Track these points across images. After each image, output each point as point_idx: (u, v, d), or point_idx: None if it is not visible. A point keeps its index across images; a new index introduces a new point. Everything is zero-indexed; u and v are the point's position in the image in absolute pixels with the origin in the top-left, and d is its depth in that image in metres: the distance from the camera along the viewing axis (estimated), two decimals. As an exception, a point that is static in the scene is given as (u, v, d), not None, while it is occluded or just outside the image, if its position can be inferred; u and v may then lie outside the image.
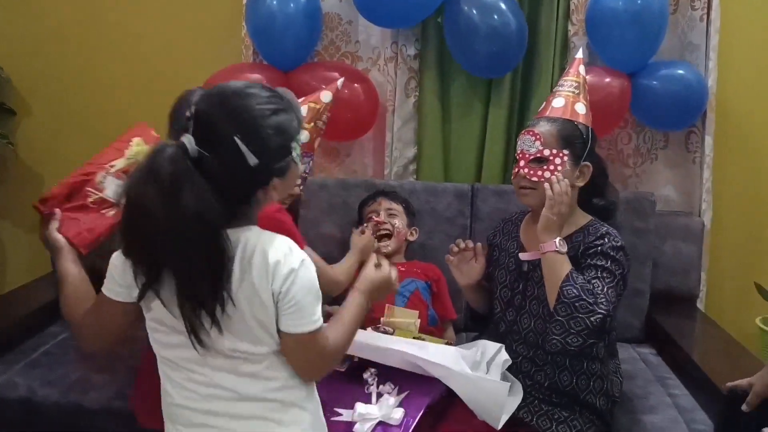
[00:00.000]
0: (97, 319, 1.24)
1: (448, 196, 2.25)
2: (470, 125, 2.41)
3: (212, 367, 1.18)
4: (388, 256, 2.05)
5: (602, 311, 1.46)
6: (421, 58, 2.38)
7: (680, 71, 2.20)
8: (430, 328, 1.96)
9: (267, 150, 1.12)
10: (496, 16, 2.17)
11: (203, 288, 1.09)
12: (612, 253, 1.54)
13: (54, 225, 1.39)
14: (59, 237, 1.38)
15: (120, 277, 1.17)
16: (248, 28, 2.29)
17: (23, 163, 2.66)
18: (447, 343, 1.77)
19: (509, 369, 1.60)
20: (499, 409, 1.50)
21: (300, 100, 1.77)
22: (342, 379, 1.67)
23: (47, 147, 2.64)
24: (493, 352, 1.60)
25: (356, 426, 1.52)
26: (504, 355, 1.58)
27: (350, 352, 1.68)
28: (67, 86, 2.58)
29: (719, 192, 2.38)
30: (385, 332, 1.83)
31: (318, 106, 1.79)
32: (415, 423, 1.55)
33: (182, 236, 1.06)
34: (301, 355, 1.20)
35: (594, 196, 1.70)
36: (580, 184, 1.64)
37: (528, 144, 1.63)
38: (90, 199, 1.45)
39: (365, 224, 2.07)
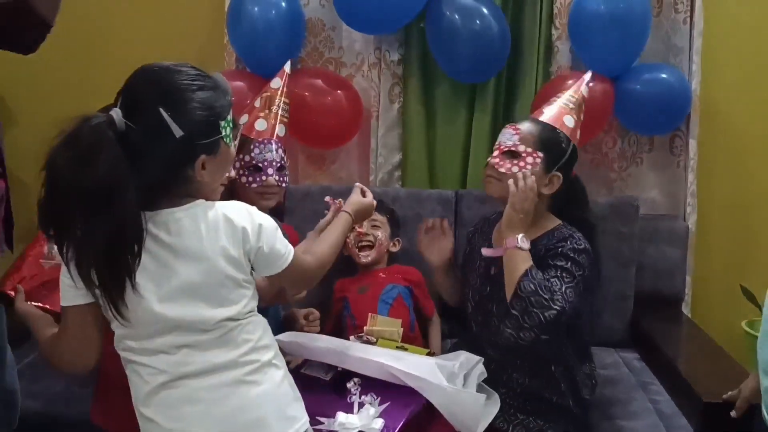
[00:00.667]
0: (72, 336, 1.22)
1: (432, 202, 2.24)
2: (455, 131, 2.41)
3: (180, 345, 1.19)
4: (368, 266, 2.05)
5: (557, 307, 1.48)
6: (405, 63, 2.38)
7: (663, 75, 2.20)
8: (412, 335, 1.96)
9: (192, 123, 1.15)
10: (477, 21, 2.17)
11: (102, 264, 1.11)
12: (572, 255, 1.55)
13: (20, 298, 1.36)
14: (30, 307, 1.34)
15: (74, 280, 1.15)
16: (230, 35, 2.29)
17: (10, 173, 2.65)
18: (429, 353, 1.77)
19: (486, 378, 1.60)
20: (474, 421, 1.51)
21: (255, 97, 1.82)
22: (326, 388, 1.68)
23: (34, 157, 2.63)
24: (471, 365, 1.61)
25: None
26: (480, 368, 1.59)
27: (333, 362, 1.70)
28: (53, 96, 2.58)
29: (705, 195, 2.38)
30: (368, 341, 1.83)
31: (268, 93, 1.84)
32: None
33: (89, 204, 1.08)
34: (288, 282, 1.39)
35: (569, 209, 1.71)
36: (547, 192, 1.65)
37: (507, 137, 1.65)
38: (47, 267, 1.47)
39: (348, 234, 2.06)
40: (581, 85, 1.74)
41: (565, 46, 2.30)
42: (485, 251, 1.68)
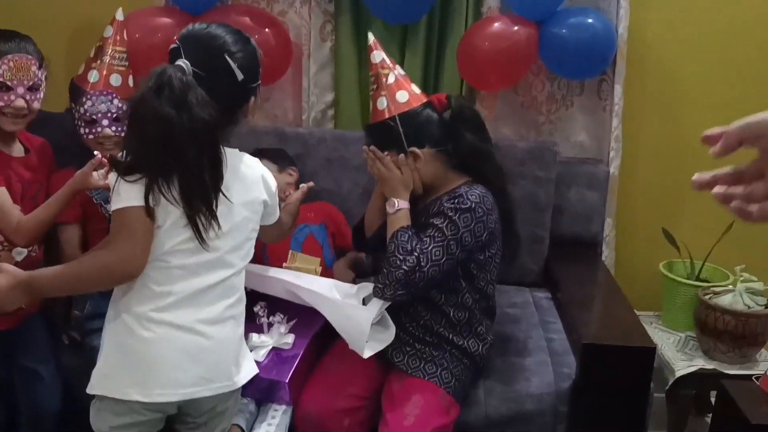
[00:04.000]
0: (143, 237, 1.30)
1: (357, 144, 2.25)
2: (387, 71, 2.41)
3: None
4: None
5: (405, 267, 1.55)
6: (336, 1, 2.36)
7: (588, 19, 2.18)
8: (329, 271, 2.03)
9: (247, 68, 1.35)
10: (403, -41, 2.14)
11: (206, 186, 1.29)
12: (450, 214, 1.60)
13: None
14: None
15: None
16: (155, -31, 2.26)
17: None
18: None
19: (395, 308, 1.67)
20: (362, 336, 1.59)
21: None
22: None
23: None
24: (370, 291, 1.68)
25: (252, 354, 1.61)
26: None
27: None
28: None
29: (631, 139, 2.41)
30: None
31: (99, 43, 1.87)
32: (305, 347, 1.67)
33: (193, 138, 1.25)
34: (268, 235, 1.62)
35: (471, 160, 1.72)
36: (422, 166, 1.69)
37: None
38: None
39: None
40: (370, 56, 1.78)
41: (495, -14, 2.28)
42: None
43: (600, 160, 2.40)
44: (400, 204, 1.65)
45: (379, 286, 1.60)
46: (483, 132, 1.73)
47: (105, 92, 1.80)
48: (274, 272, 1.75)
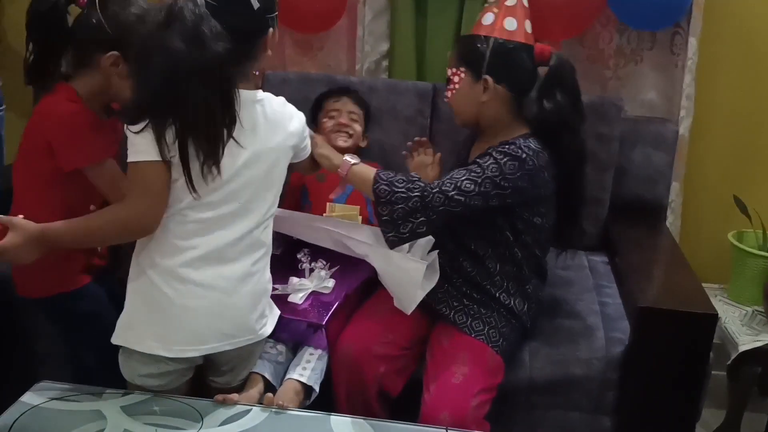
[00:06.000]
0: (158, 193, 1.25)
1: (409, 94, 2.19)
2: (446, 20, 2.30)
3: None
4: (342, 150, 2.04)
5: (416, 193, 1.48)
6: (394, -57, 2.27)
7: (663, -37, 2.03)
8: (372, 225, 1.98)
9: None
10: None
11: (216, 127, 1.21)
12: (496, 155, 1.52)
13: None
14: None
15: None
16: None
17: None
18: None
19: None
20: (414, 288, 1.55)
21: None
22: (277, 260, 1.74)
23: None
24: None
25: (290, 296, 1.62)
26: (428, 237, 1.60)
27: (283, 231, 1.75)
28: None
29: (704, 98, 2.24)
30: None
31: None
32: (345, 294, 1.64)
33: (204, 75, 1.16)
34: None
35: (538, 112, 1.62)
36: (485, 99, 1.60)
37: None
38: None
39: (324, 120, 2.05)
40: None
41: (564, -72, 2.13)
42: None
43: (665, 119, 2.25)
44: (351, 158, 1.59)
45: (390, 234, 1.51)
46: (574, 101, 1.62)
47: None
48: (322, 222, 1.71)
